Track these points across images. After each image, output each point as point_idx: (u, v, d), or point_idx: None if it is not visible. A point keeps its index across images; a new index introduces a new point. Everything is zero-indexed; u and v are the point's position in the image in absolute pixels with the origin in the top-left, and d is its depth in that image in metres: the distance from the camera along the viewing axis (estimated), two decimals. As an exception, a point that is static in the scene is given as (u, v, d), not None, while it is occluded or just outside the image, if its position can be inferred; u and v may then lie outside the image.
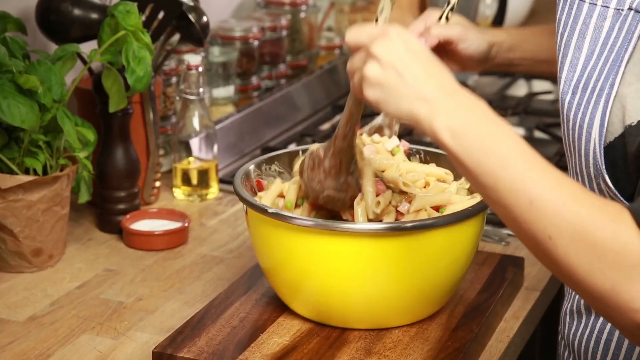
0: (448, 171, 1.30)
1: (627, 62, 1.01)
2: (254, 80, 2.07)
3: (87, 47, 1.50)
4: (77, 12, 1.51)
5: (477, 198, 1.23)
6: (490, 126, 0.94)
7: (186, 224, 1.55)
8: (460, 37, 1.32)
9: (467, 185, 1.29)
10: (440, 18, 1.31)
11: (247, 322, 1.24)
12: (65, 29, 1.51)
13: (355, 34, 1.02)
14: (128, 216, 1.56)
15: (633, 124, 1.00)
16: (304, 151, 1.36)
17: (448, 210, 1.21)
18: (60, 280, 1.42)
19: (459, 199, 1.23)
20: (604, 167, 1.02)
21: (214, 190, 1.72)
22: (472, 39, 1.32)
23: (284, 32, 2.15)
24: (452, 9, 1.31)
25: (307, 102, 2.13)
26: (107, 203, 1.58)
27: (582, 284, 0.91)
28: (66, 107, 1.42)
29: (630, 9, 1.02)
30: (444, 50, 1.33)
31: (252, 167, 1.32)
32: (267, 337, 1.20)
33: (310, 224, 1.16)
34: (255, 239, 1.24)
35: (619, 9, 1.03)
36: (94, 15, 1.51)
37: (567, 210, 0.89)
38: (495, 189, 0.92)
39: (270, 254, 1.23)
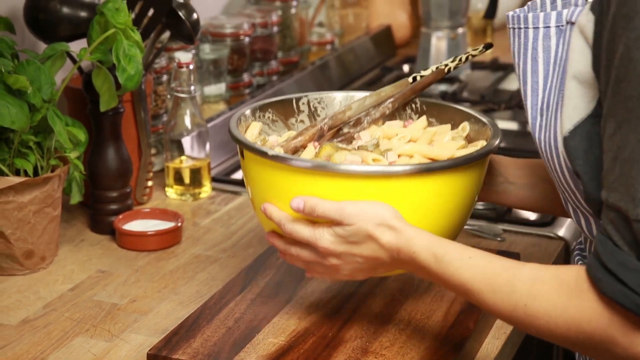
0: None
1: None
2: (246, 77, 2.06)
3: (76, 46, 1.49)
4: (65, 10, 1.49)
5: (472, 148, 1.23)
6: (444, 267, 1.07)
7: (179, 224, 1.54)
8: None
9: (464, 134, 1.28)
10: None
11: (242, 322, 1.22)
12: (54, 28, 1.49)
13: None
14: (120, 216, 1.54)
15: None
16: (297, 99, 1.35)
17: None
18: (53, 282, 1.41)
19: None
20: (579, 179, 1.04)
21: (206, 189, 1.71)
22: None
23: (275, 29, 2.14)
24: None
25: (299, 99, 2.11)
26: (99, 203, 1.56)
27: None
28: (56, 107, 1.40)
29: (568, 22, 1.05)
30: None
31: (248, 111, 1.29)
32: (262, 338, 1.19)
33: (309, 166, 1.13)
34: (252, 184, 1.20)
35: (559, 26, 1.06)
36: (83, 14, 1.49)
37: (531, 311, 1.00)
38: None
39: (268, 199, 1.18)
